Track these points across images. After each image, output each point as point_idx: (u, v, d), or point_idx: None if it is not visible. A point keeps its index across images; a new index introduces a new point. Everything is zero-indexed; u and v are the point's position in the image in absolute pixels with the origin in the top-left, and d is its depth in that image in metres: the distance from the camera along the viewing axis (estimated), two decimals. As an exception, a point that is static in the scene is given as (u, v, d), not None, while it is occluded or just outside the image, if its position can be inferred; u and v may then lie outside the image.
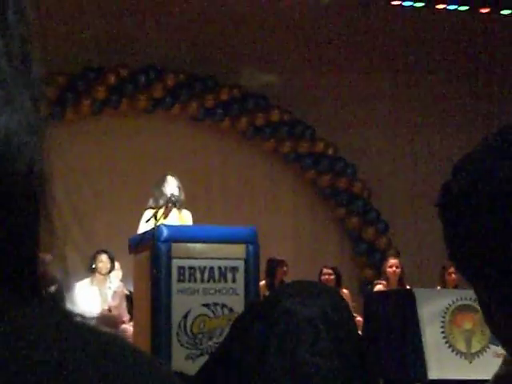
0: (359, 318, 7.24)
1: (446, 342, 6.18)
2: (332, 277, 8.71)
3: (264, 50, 10.73)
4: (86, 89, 9.86)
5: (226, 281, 5.93)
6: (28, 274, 0.41)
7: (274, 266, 8.45)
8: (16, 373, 0.37)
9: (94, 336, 0.40)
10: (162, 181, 6.57)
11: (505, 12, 11.29)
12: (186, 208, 6.61)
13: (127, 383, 0.38)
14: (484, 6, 11.15)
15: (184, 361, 5.69)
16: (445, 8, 11.15)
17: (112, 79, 9.95)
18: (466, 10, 11.19)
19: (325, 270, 8.79)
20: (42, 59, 0.45)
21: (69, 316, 0.41)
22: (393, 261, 8.35)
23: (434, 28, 11.31)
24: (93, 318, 0.41)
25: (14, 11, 0.43)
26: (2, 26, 0.42)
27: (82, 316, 0.41)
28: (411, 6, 11.07)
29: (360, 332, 6.73)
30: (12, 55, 0.42)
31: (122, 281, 8.04)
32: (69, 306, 0.43)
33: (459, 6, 11.12)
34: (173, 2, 10.39)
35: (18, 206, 0.41)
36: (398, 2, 11.02)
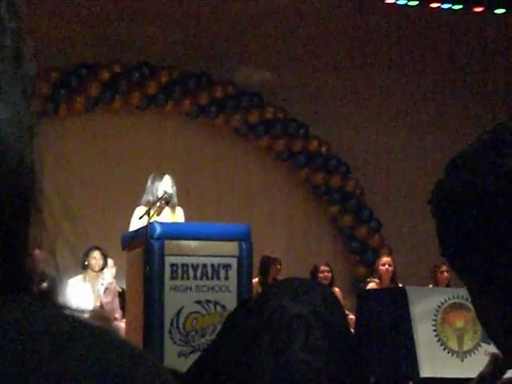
0: (351, 316, 7.25)
1: (438, 341, 6.19)
2: (329, 274, 8.70)
3: (258, 47, 10.72)
4: (79, 85, 9.84)
5: (218, 278, 5.93)
6: (18, 269, 0.41)
7: (267, 263, 8.45)
8: (7, 367, 0.37)
9: (86, 329, 0.40)
10: (158, 178, 6.56)
11: (498, 11, 11.31)
12: (178, 206, 6.61)
13: (119, 375, 0.38)
14: (478, 5, 11.16)
15: (176, 358, 5.69)
16: (439, 7, 11.17)
17: (105, 75, 9.94)
18: (460, 9, 11.20)
19: (322, 268, 8.76)
20: (34, 55, 0.44)
21: (59, 310, 0.41)
22: (385, 259, 8.36)
23: (428, 27, 11.32)
24: (84, 311, 0.41)
25: (6, 6, 0.43)
26: None
27: (73, 310, 0.41)
28: (405, 4, 11.08)
29: (352, 330, 6.73)
30: (4, 50, 0.42)
31: (115, 277, 8.03)
32: (60, 300, 0.42)
33: (453, 4, 11.14)
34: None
35: (7, 201, 0.40)
36: (393, 1, 11.03)
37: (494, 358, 0.83)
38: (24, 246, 0.41)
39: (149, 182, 6.61)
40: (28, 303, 0.40)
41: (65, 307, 0.41)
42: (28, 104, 0.43)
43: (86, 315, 0.41)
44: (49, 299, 0.42)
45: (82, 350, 0.38)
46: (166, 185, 6.50)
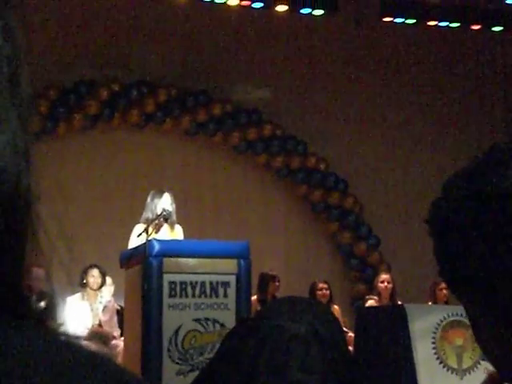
0: (351, 334, 7.22)
1: (438, 358, 6.17)
2: (327, 291, 8.68)
3: (256, 65, 10.76)
4: (77, 103, 9.87)
5: (217, 296, 5.91)
6: (13, 293, 0.41)
7: (266, 280, 8.43)
8: None
9: (79, 356, 0.39)
10: (157, 196, 6.56)
11: (496, 29, 11.36)
12: (177, 224, 6.60)
13: None
14: (475, 23, 11.22)
15: (175, 376, 5.66)
16: (436, 25, 11.22)
17: (104, 94, 9.96)
18: (458, 27, 11.26)
19: (320, 285, 8.74)
20: (30, 79, 0.45)
21: (54, 336, 0.41)
22: (384, 276, 8.35)
23: (425, 44, 11.37)
24: (79, 336, 0.41)
25: (2, 32, 0.43)
26: None
27: (68, 335, 0.41)
28: (403, 22, 11.13)
29: (351, 347, 6.69)
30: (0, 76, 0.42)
31: (113, 295, 8.01)
32: (56, 322, 0.42)
33: (450, 22, 11.19)
34: (165, 17, 10.43)
35: (3, 224, 0.41)
36: (390, 19, 11.08)
37: (491, 377, 0.83)
38: (20, 268, 0.41)
39: (148, 199, 6.60)
40: (22, 330, 0.40)
41: (60, 333, 0.41)
42: (24, 128, 0.43)
43: (82, 341, 0.41)
44: (44, 324, 0.42)
45: (77, 380, 0.38)
46: (165, 202, 6.49)
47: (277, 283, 8.53)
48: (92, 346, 0.41)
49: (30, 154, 0.43)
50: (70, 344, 0.40)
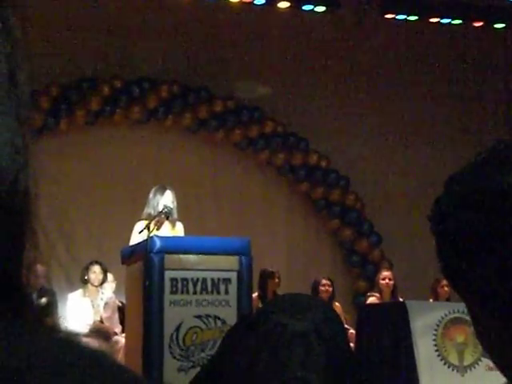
0: (352, 331, 7.23)
1: (439, 355, 6.17)
2: (331, 288, 8.68)
3: (258, 62, 10.75)
4: (79, 99, 9.86)
5: (218, 292, 5.91)
6: (11, 291, 0.41)
7: (265, 277, 8.42)
8: None
9: (78, 354, 0.39)
10: (159, 192, 6.55)
11: (498, 26, 11.34)
12: (179, 221, 6.60)
13: None
14: (477, 20, 11.20)
15: (176, 373, 5.67)
16: (438, 21, 11.20)
17: (106, 90, 9.96)
18: (460, 24, 11.24)
19: (324, 281, 8.73)
20: (32, 76, 0.44)
21: (52, 333, 0.40)
22: (386, 273, 8.35)
23: (427, 41, 11.36)
24: (78, 333, 0.40)
25: (1, 31, 0.42)
26: None
27: (67, 332, 0.40)
28: (405, 19, 11.11)
29: (352, 344, 6.70)
30: None
31: (114, 292, 8.02)
32: (57, 317, 0.42)
33: (453, 19, 11.17)
34: (167, 13, 10.42)
35: (1, 224, 0.40)
36: (392, 16, 11.07)
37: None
38: (19, 267, 0.41)
39: (151, 195, 6.60)
40: (20, 327, 0.39)
41: (59, 330, 0.40)
42: (23, 127, 0.43)
43: (82, 338, 0.40)
44: (43, 320, 0.41)
45: (76, 378, 0.37)
46: (166, 199, 6.49)
47: (276, 280, 8.51)
48: (92, 342, 0.41)
49: (28, 152, 0.43)
50: (68, 341, 0.40)
